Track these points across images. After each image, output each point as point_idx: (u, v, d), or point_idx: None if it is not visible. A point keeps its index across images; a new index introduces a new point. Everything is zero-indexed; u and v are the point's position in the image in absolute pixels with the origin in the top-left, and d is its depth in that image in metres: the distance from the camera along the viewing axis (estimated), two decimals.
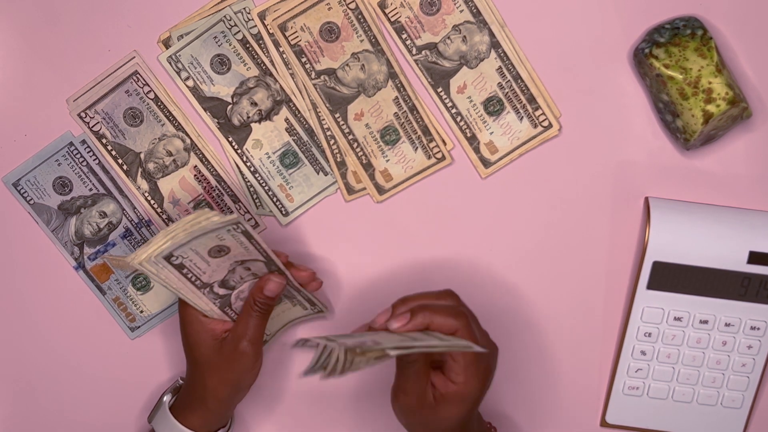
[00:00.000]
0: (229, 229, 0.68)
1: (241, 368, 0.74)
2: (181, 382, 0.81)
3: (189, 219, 0.67)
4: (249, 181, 0.82)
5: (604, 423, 0.85)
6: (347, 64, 0.80)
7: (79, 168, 0.81)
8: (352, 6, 0.79)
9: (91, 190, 0.81)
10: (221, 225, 0.67)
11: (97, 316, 0.84)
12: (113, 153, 0.81)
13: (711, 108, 0.75)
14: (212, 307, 0.74)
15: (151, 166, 0.81)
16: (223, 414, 0.78)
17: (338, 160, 0.81)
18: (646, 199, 0.81)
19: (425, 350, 0.65)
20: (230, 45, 0.80)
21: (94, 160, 0.81)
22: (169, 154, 0.81)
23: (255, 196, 0.82)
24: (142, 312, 0.84)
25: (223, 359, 0.74)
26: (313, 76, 0.80)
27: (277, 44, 0.79)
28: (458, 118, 0.81)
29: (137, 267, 0.67)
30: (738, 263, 0.79)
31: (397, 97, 0.80)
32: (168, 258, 0.67)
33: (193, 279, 0.71)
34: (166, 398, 0.79)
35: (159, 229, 0.82)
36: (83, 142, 0.81)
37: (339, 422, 0.86)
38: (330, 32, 0.79)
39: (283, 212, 0.82)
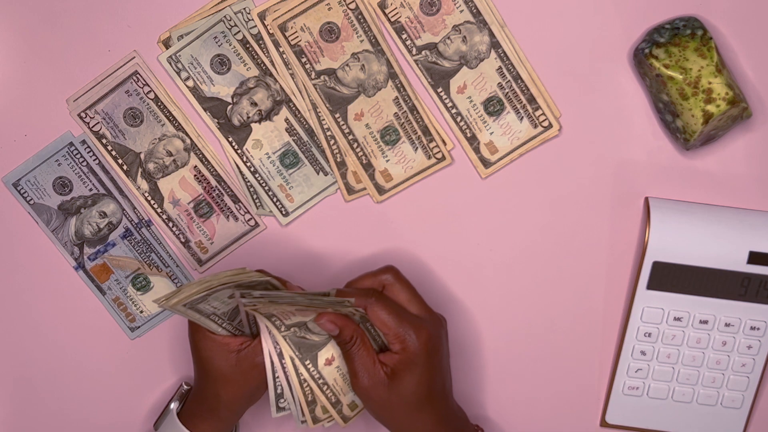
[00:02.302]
0: (253, 283, 0.69)
1: (257, 382, 0.75)
2: (185, 387, 0.82)
3: (222, 276, 0.68)
4: (249, 181, 0.82)
5: (604, 423, 0.85)
6: (347, 65, 0.80)
7: (79, 168, 0.81)
8: (352, 6, 0.79)
9: (91, 190, 0.81)
10: (246, 282, 0.68)
11: (97, 316, 0.84)
12: (113, 153, 0.81)
13: (711, 108, 0.75)
14: (216, 326, 0.74)
15: (151, 166, 0.81)
16: (233, 422, 0.78)
17: (338, 160, 0.81)
18: (646, 199, 0.81)
19: (288, 302, 0.69)
20: (230, 45, 0.80)
21: (94, 160, 0.81)
22: (169, 154, 0.81)
23: (255, 196, 0.82)
24: (142, 312, 0.84)
25: (240, 373, 0.74)
26: (313, 76, 0.80)
27: (277, 44, 0.79)
28: (458, 118, 0.81)
29: (165, 307, 0.68)
30: (738, 263, 0.79)
31: (397, 97, 0.80)
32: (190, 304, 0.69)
33: (207, 313, 0.72)
34: (174, 405, 0.80)
35: (159, 229, 0.82)
36: (83, 142, 0.81)
37: None
38: (330, 32, 0.79)
39: (283, 212, 0.82)
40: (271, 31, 0.79)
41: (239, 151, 0.81)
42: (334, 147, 0.81)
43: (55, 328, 0.84)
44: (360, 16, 0.79)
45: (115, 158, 0.81)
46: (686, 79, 0.75)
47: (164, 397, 0.85)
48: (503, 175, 0.82)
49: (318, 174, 0.82)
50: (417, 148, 0.81)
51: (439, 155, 0.81)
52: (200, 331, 0.74)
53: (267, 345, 0.74)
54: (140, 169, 0.81)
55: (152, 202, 0.82)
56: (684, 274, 0.79)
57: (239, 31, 0.79)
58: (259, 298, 0.69)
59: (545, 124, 0.80)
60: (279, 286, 0.71)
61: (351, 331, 0.72)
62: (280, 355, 0.74)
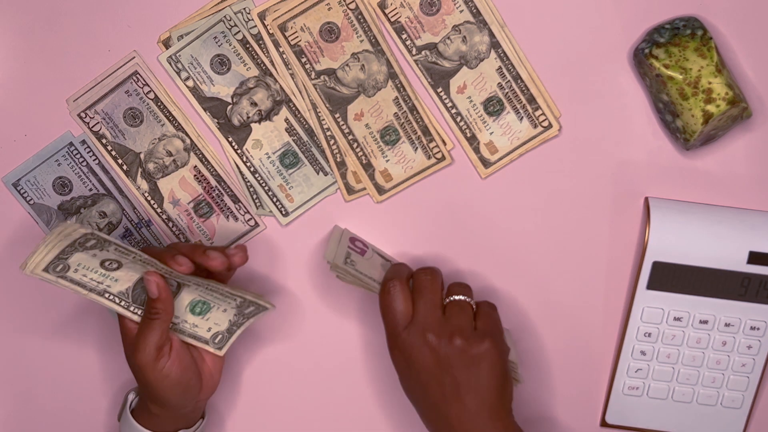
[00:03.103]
0: (89, 241, 0.69)
1: (147, 377, 0.72)
2: None
3: (57, 231, 0.69)
4: (249, 181, 0.82)
5: (604, 423, 0.85)
6: (347, 65, 0.80)
7: (79, 168, 0.81)
8: (352, 6, 0.79)
9: (91, 190, 0.81)
10: (77, 237, 0.68)
11: (97, 317, 0.84)
12: (113, 153, 0.81)
13: (711, 108, 0.75)
14: (128, 313, 0.73)
15: (151, 166, 0.81)
16: (174, 418, 0.76)
17: (338, 160, 0.81)
18: (646, 199, 0.81)
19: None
20: (230, 45, 0.80)
21: (94, 160, 0.81)
22: (169, 154, 0.81)
23: (255, 196, 0.82)
24: None
25: (132, 369, 0.73)
26: (313, 76, 0.80)
27: (277, 44, 0.79)
28: (458, 118, 0.81)
29: (31, 276, 0.68)
30: (738, 263, 0.79)
31: (397, 97, 0.80)
32: (54, 269, 0.69)
33: (92, 288, 0.71)
34: (131, 397, 0.78)
35: (159, 229, 0.82)
36: (83, 142, 0.81)
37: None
38: (330, 32, 0.79)
39: (283, 212, 0.82)
40: (271, 31, 0.79)
41: (239, 151, 0.81)
42: (334, 147, 0.81)
43: (55, 328, 0.84)
44: (360, 16, 0.79)
45: (115, 158, 0.81)
46: (686, 79, 0.75)
47: None
48: (503, 175, 0.82)
49: (318, 174, 0.82)
50: (417, 148, 0.81)
51: (439, 155, 0.81)
52: (121, 318, 0.73)
53: None
54: (140, 169, 0.81)
55: (152, 202, 0.82)
56: (684, 274, 0.79)
57: (239, 31, 0.79)
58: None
59: (545, 124, 0.80)
60: (107, 237, 0.70)
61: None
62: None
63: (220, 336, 0.75)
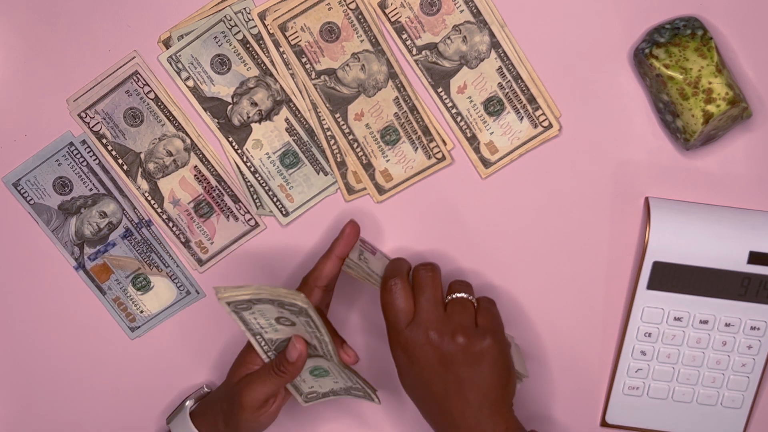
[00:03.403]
0: (293, 307, 0.69)
1: (238, 413, 0.75)
2: (206, 390, 0.83)
3: (268, 288, 0.69)
4: (249, 181, 0.82)
5: (604, 423, 0.85)
6: (347, 64, 0.80)
7: (79, 168, 0.81)
8: (352, 6, 0.79)
9: (91, 190, 0.81)
10: (285, 301, 0.69)
11: (97, 316, 0.84)
12: (113, 153, 0.81)
13: (711, 108, 0.75)
14: (264, 356, 0.75)
15: (151, 166, 0.81)
16: None
17: (338, 160, 0.81)
18: (646, 199, 0.81)
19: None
20: (230, 45, 0.80)
21: (94, 160, 0.81)
22: (169, 154, 0.81)
23: (255, 196, 0.82)
24: (142, 312, 0.84)
25: (232, 394, 0.75)
26: (313, 76, 0.80)
27: (277, 44, 0.79)
28: (458, 118, 0.81)
29: (222, 302, 0.69)
30: (738, 263, 0.79)
31: (397, 97, 0.80)
32: (237, 305, 0.70)
33: (251, 328, 0.72)
34: (189, 403, 0.81)
35: (159, 229, 0.82)
36: (83, 142, 0.81)
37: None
38: (330, 32, 0.79)
39: (283, 212, 0.82)
40: (271, 31, 0.79)
41: (239, 151, 0.81)
42: (334, 147, 0.81)
43: (56, 328, 0.84)
44: (360, 16, 0.79)
45: (115, 158, 0.81)
46: (686, 79, 0.75)
47: (164, 397, 0.85)
48: (503, 175, 0.82)
49: (318, 174, 0.82)
50: (417, 148, 0.81)
51: (439, 155, 0.81)
52: (250, 353, 0.76)
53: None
54: (140, 169, 0.81)
55: (152, 202, 0.82)
56: (684, 274, 0.79)
57: (239, 31, 0.79)
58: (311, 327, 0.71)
59: (545, 124, 0.80)
60: (317, 322, 0.70)
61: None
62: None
63: (314, 394, 0.78)
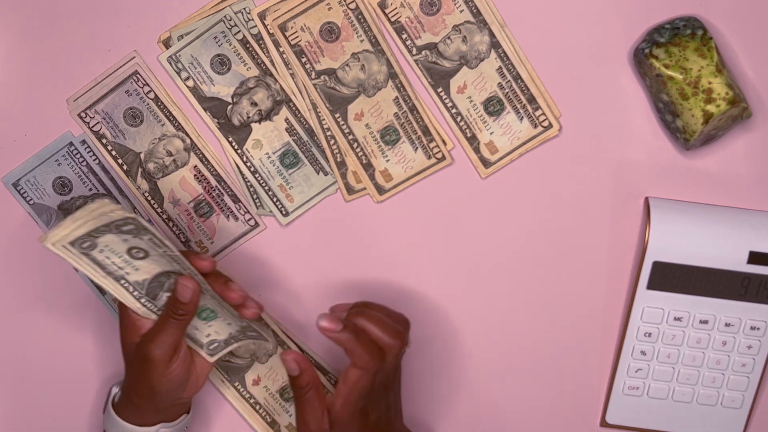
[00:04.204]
0: (127, 226, 0.67)
1: (151, 372, 0.72)
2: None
3: (92, 207, 0.66)
4: (249, 181, 0.82)
5: (604, 423, 0.85)
6: (347, 64, 0.80)
7: (79, 168, 0.81)
8: (352, 6, 0.79)
9: (91, 190, 0.81)
10: (116, 219, 0.66)
11: (97, 316, 0.84)
12: (113, 153, 0.81)
13: (711, 108, 0.75)
14: (138, 304, 0.72)
15: (151, 166, 0.81)
16: (152, 411, 0.76)
17: (338, 160, 0.81)
18: (646, 199, 0.81)
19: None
20: (230, 45, 0.80)
21: (94, 160, 0.81)
22: (169, 154, 0.81)
23: (255, 196, 0.82)
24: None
25: (136, 359, 0.73)
26: (313, 76, 0.80)
27: (277, 44, 0.79)
28: (458, 118, 0.81)
29: (51, 249, 0.66)
30: (738, 263, 0.79)
31: (397, 97, 0.80)
32: (81, 245, 0.67)
33: (111, 271, 0.69)
34: (114, 390, 0.78)
35: (159, 229, 0.82)
36: (83, 142, 0.81)
37: None
38: (330, 32, 0.79)
39: (283, 212, 0.82)
40: (271, 31, 0.79)
41: (239, 151, 0.81)
42: (334, 147, 0.81)
43: (55, 328, 0.84)
44: (360, 16, 0.79)
45: (115, 158, 0.81)
46: (686, 79, 0.75)
47: None
48: (503, 175, 0.82)
49: (318, 174, 0.82)
50: (417, 148, 0.81)
51: (439, 155, 0.81)
52: (123, 309, 0.73)
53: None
54: (140, 169, 0.81)
55: (152, 202, 0.82)
56: (684, 274, 0.79)
57: (239, 31, 0.79)
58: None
59: (545, 124, 0.80)
60: (156, 234, 0.69)
61: (309, 378, 0.72)
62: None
63: (216, 344, 0.76)
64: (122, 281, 0.70)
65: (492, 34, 0.79)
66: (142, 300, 0.72)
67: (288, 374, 0.73)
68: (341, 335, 0.71)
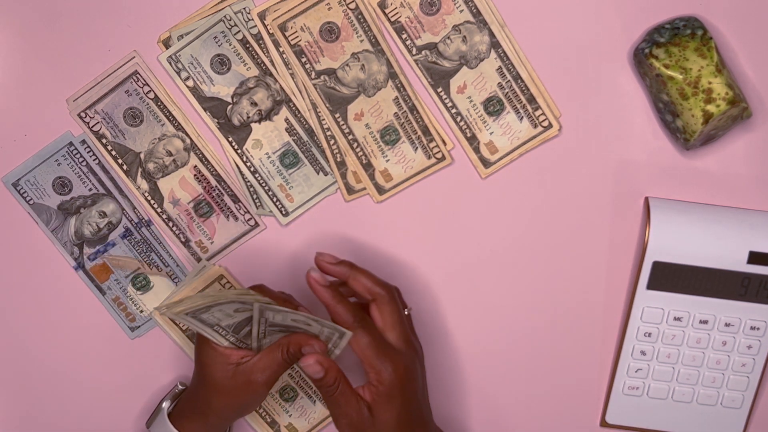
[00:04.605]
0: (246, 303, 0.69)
1: (250, 399, 0.75)
2: (180, 387, 0.81)
3: (226, 294, 0.69)
4: (249, 181, 0.82)
5: (604, 423, 0.85)
6: (347, 64, 0.80)
7: (79, 168, 0.81)
8: (352, 6, 0.79)
9: (90, 190, 0.81)
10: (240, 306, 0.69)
11: (97, 316, 0.84)
12: (113, 153, 0.81)
13: (711, 108, 0.75)
14: (220, 338, 0.74)
15: (151, 166, 0.81)
16: (222, 428, 0.78)
17: (338, 160, 0.81)
18: (646, 199, 0.81)
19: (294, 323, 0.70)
20: (230, 45, 0.80)
21: (93, 160, 0.81)
22: (169, 154, 0.81)
23: (255, 196, 0.82)
24: (142, 312, 0.84)
25: (234, 385, 0.74)
26: (313, 76, 0.80)
27: (277, 44, 0.79)
28: (458, 118, 0.81)
29: (167, 315, 0.69)
30: (738, 263, 0.79)
31: (397, 97, 0.80)
32: (195, 312, 0.69)
33: (209, 324, 0.72)
34: (165, 405, 0.79)
35: (159, 228, 0.82)
36: (83, 142, 0.81)
37: None
38: (330, 32, 0.79)
39: (283, 212, 0.82)
40: (271, 31, 0.79)
41: (239, 151, 0.81)
42: (334, 147, 0.81)
43: (55, 328, 0.84)
44: (360, 16, 0.79)
45: (114, 158, 0.81)
46: (686, 79, 0.75)
47: (162, 397, 0.85)
48: (503, 175, 0.82)
49: (318, 174, 0.82)
50: (417, 148, 0.81)
51: (439, 155, 0.81)
52: (205, 337, 0.74)
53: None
54: (140, 169, 0.81)
55: (152, 201, 0.82)
56: (684, 274, 0.79)
57: (239, 31, 0.79)
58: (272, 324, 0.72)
59: (545, 124, 0.80)
60: (280, 308, 0.70)
61: (335, 374, 0.72)
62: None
63: None
64: (216, 327, 0.72)
65: (492, 34, 0.79)
66: (228, 337, 0.73)
67: (312, 378, 0.72)
68: (325, 291, 0.72)
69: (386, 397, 0.72)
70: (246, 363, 0.74)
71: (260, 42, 0.80)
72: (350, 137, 0.81)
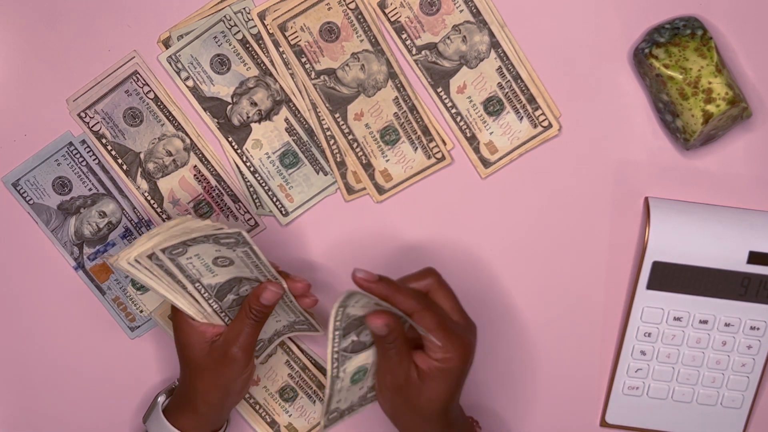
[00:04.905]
0: (229, 239, 0.68)
1: (231, 373, 0.74)
2: (176, 383, 0.81)
3: (172, 224, 0.67)
4: (249, 181, 0.82)
5: (604, 423, 0.85)
6: (347, 64, 0.80)
7: (79, 168, 0.81)
8: (352, 6, 0.79)
9: (90, 190, 0.81)
10: (221, 234, 0.67)
11: (97, 316, 0.84)
12: (113, 153, 0.81)
13: (711, 108, 0.75)
14: (198, 308, 0.73)
15: (150, 166, 0.81)
16: (214, 417, 0.78)
17: (338, 160, 0.81)
18: (646, 199, 0.81)
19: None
20: (230, 45, 0.80)
21: (93, 160, 0.81)
22: (169, 154, 0.81)
23: (255, 196, 0.82)
24: (141, 312, 0.84)
25: (213, 363, 0.74)
26: (312, 76, 0.80)
27: (277, 44, 0.79)
28: (458, 118, 0.81)
29: (123, 266, 0.67)
30: (738, 263, 0.79)
31: (397, 97, 0.80)
32: (171, 251, 0.68)
33: (189, 274, 0.70)
34: (161, 399, 0.79)
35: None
36: (83, 142, 0.81)
37: None
38: (330, 32, 0.79)
39: (283, 212, 0.82)
40: (270, 31, 0.79)
41: (239, 151, 0.81)
42: (334, 147, 0.81)
43: (55, 328, 0.84)
44: (360, 16, 0.79)
45: (114, 158, 0.81)
46: (686, 79, 0.75)
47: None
48: (503, 175, 0.82)
49: (318, 174, 0.82)
50: (417, 147, 0.81)
51: (438, 155, 0.81)
52: (180, 316, 0.74)
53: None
54: (140, 169, 0.81)
55: (152, 201, 0.82)
56: (684, 274, 0.79)
57: (239, 31, 0.79)
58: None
59: (545, 124, 0.80)
60: (257, 250, 0.70)
61: (396, 333, 0.70)
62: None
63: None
64: (197, 284, 0.71)
65: (492, 34, 0.79)
66: (210, 301, 0.73)
67: (374, 334, 0.70)
68: (378, 287, 0.70)
69: (445, 373, 0.70)
70: (219, 338, 0.74)
71: (260, 42, 0.80)
72: (350, 137, 0.81)
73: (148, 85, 0.80)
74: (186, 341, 0.75)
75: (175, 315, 0.75)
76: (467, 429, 0.76)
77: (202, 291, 0.72)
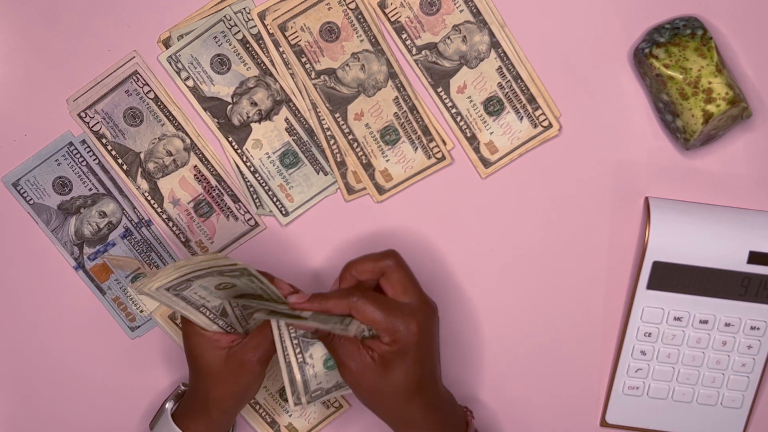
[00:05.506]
0: (234, 272, 0.69)
1: (247, 381, 0.74)
2: (183, 388, 0.81)
3: (199, 260, 0.68)
4: (249, 181, 0.82)
5: (604, 423, 0.85)
6: (347, 64, 0.80)
7: (79, 168, 0.81)
8: (352, 6, 0.79)
9: (90, 189, 0.81)
10: (227, 269, 0.68)
11: (97, 316, 0.84)
12: (113, 153, 0.81)
13: (711, 108, 0.75)
14: (209, 322, 0.73)
15: (151, 165, 0.81)
16: (225, 423, 0.78)
17: (338, 160, 0.81)
18: (646, 199, 0.81)
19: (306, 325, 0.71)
20: (230, 45, 0.80)
21: (93, 160, 0.81)
22: (169, 153, 0.81)
23: (255, 196, 0.82)
24: (142, 312, 0.84)
25: (229, 370, 0.74)
26: (313, 76, 0.80)
27: (277, 44, 0.79)
28: (458, 118, 0.81)
29: (145, 293, 0.68)
30: (738, 263, 0.79)
31: (397, 97, 0.80)
32: (176, 287, 0.68)
33: (192, 302, 0.71)
34: (168, 405, 0.79)
35: (159, 228, 0.82)
36: (83, 142, 0.81)
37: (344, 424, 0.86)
38: (330, 32, 0.79)
39: (283, 212, 0.82)
40: (271, 31, 0.79)
41: (239, 151, 0.81)
42: (334, 147, 0.81)
43: (55, 328, 0.84)
44: (360, 16, 0.79)
45: (115, 158, 0.81)
46: (686, 78, 0.75)
47: (164, 398, 0.85)
48: (503, 175, 0.82)
49: (318, 174, 0.82)
50: (417, 147, 0.81)
51: (439, 155, 0.81)
52: (191, 326, 0.74)
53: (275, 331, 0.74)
54: (140, 169, 0.81)
55: (152, 201, 0.82)
56: (684, 274, 0.79)
57: (239, 31, 0.79)
58: (253, 306, 0.71)
59: (545, 123, 0.80)
60: (261, 278, 0.70)
61: (323, 330, 0.71)
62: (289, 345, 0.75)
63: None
64: (202, 309, 0.72)
65: (492, 34, 0.79)
66: (217, 321, 0.73)
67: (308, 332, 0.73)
68: (310, 305, 0.72)
69: (399, 354, 0.71)
70: (236, 345, 0.74)
71: (260, 42, 0.80)
72: (350, 137, 0.81)
73: (148, 85, 0.80)
74: (199, 351, 0.74)
75: (186, 325, 0.75)
76: (457, 415, 0.76)
77: (207, 313, 0.72)
